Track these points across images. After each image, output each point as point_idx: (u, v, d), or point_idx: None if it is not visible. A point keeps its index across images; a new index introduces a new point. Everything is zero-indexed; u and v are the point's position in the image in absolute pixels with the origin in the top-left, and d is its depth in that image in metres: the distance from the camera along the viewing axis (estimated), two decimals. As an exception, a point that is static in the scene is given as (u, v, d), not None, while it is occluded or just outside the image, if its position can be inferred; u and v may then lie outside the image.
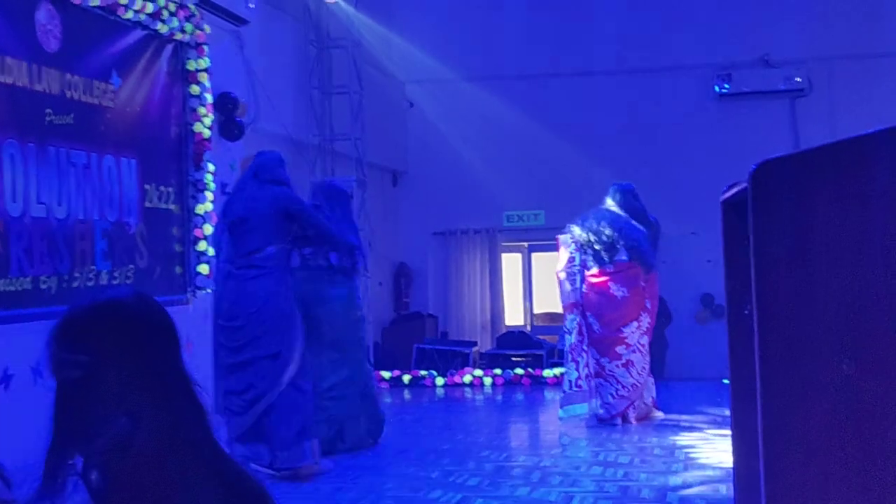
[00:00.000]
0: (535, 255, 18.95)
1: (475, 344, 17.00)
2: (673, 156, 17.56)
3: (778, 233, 3.46)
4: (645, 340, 10.94)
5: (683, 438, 9.95)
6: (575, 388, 10.82)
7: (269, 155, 9.43)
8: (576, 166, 17.84)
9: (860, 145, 3.39)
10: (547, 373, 14.92)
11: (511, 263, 19.61)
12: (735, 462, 4.36)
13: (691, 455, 9.09)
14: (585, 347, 10.87)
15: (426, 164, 18.95)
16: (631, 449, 9.57)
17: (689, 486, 7.89)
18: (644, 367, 10.88)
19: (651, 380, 11.11)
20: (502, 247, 19.28)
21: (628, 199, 11.43)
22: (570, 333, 11.01)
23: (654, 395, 11.19)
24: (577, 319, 10.99)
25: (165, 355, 2.26)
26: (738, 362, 4.28)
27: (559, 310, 18.74)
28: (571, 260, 11.15)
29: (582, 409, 10.80)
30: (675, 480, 8.12)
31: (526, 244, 19.29)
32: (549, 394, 13.92)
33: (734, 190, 4.11)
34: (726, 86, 18.03)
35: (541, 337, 17.19)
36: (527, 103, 18.31)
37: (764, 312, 3.47)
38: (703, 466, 8.57)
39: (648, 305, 11.04)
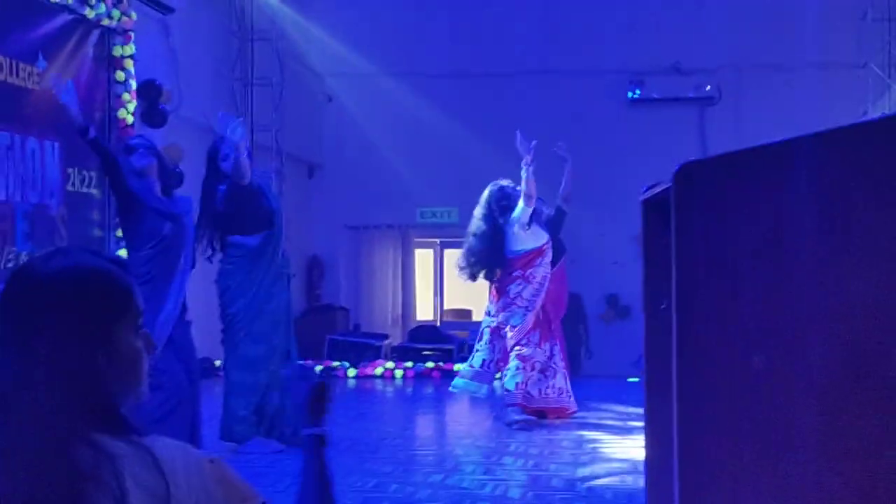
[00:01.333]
0: (447, 252, 19.16)
1: (387, 337, 17.19)
2: (586, 158, 17.80)
3: (697, 231, 3.65)
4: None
5: (590, 434, 10.21)
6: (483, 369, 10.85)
7: None
8: (491, 165, 17.98)
9: (780, 151, 3.60)
10: (457, 367, 15.09)
11: (423, 259, 19.83)
12: (647, 454, 4.51)
13: (598, 449, 9.34)
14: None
15: (342, 157, 19.09)
16: (540, 441, 9.80)
17: (597, 476, 8.13)
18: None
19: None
20: (415, 242, 19.48)
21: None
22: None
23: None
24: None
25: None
26: (653, 358, 4.44)
27: (468, 306, 19.06)
28: None
29: (480, 389, 10.84)
30: (583, 471, 8.36)
31: (438, 240, 19.51)
32: (459, 387, 14.13)
33: (655, 190, 4.28)
34: (638, 91, 18.39)
35: (451, 332, 17.43)
36: (445, 100, 18.49)
37: (682, 308, 3.66)
38: (609, 459, 8.82)
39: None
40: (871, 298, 3.31)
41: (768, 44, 17.76)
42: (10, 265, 10.35)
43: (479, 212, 10.87)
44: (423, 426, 10.93)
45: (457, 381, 11.06)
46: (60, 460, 1.90)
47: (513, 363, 10.57)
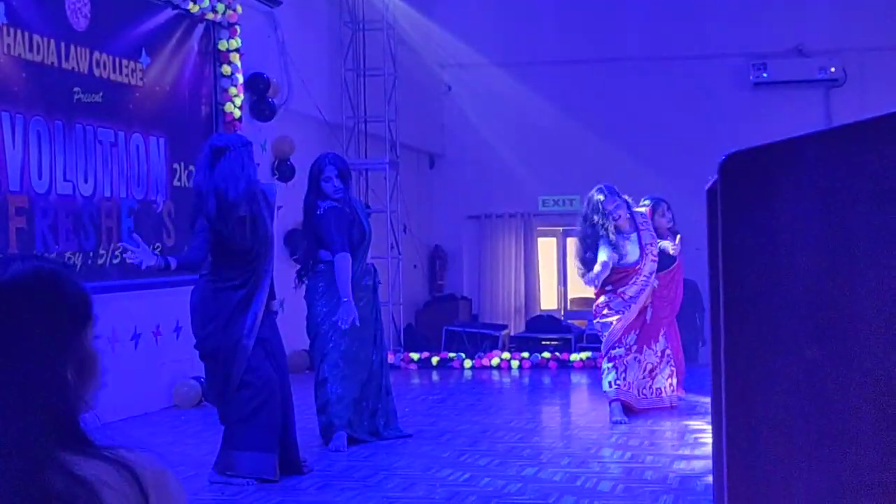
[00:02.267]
0: (570, 240, 18.93)
1: (505, 327, 17.07)
2: (708, 144, 17.50)
3: (745, 222, 3.52)
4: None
5: (696, 423, 9.97)
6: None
7: None
8: (610, 152, 17.86)
9: (825, 140, 3.45)
10: (574, 357, 14.95)
11: (546, 248, 19.69)
12: (714, 450, 4.40)
13: (700, 440, 9.11)
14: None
15: (462, 147, 19.05)
16: (642, 432, 9.61)
17: (693, 469, 7.94)
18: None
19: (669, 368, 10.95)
20: (537, 231, 19.36)
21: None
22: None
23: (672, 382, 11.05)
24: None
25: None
26: (716, 351, 4.32)
27: (593, 294, 18.81)
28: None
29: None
30: (679, 465, 8.17)
31: (561, 228, 19.34)
32: (575, 377, 13.97)
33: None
34: (764, 74, 17.99)
35: (571, 321, 17.26)
36: (563, 89, 18.38)
37: (730, 301, 3.53)
38: (709, 452, 8.60)
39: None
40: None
41: (893, 23, 17.21)
42: (115, 261, 10.46)
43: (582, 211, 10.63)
44: (529, 418, 10.77)
45: None
46: (33, 490, 1.78)
47: (605, 364, 10.46)
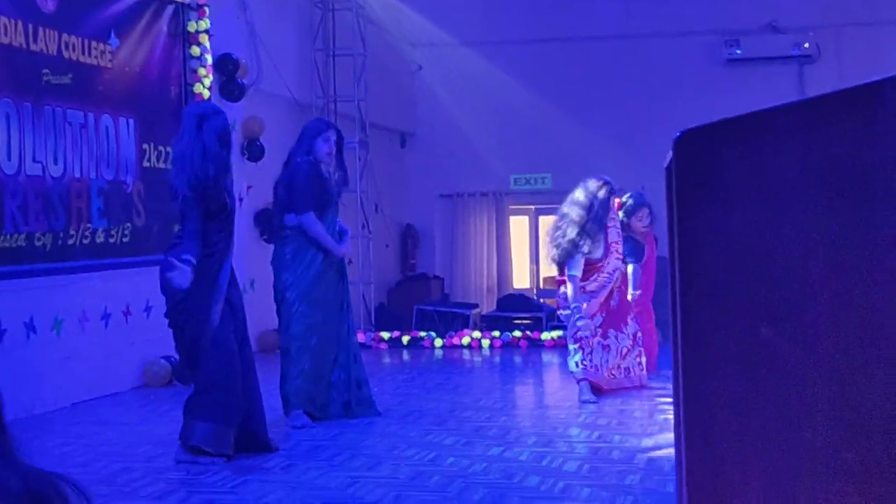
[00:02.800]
0: (542, 218, 18.99)
1: (476, 306, 17.13)
2: (680, 123, 17.42)
3: (698, 199, 3.56)
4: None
5: (666, 403, 10.03)
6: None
7: None
8: (582, 131, 17.95)
9: (776, 115, 3.48)
10: (545, 335, 15.01)
11: (518, 226, 19.75)
12: (674, 431, 4.42)
13: (670, 419, 9.16)
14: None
15: (434, 126, 19.07)
16: (611, 412, 9.71)
17: (660, 447, 8.02)
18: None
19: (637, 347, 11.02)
20: (509, 209, 19.40)
21: None
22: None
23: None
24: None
25: None
26: (674, 331, 4.35)
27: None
28: None
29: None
30: (647, 442, 8.26)
31: (533, 207, 19.39)
32: (546, 356, 14.04)
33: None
34: (738, 51, 18.03)
35: (543, 300, 17.33)
36: (535, 67, 18.41)
37: (685, 280, 3.57)
38: (678, 429, 8.66)
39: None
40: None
41: (866, -1, 17.32)
42: (86, 241, 10.49)
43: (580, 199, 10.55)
44: (498, 397, 10.84)
45: None
46: None
47: (571, 345, 10.52)
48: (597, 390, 10.40)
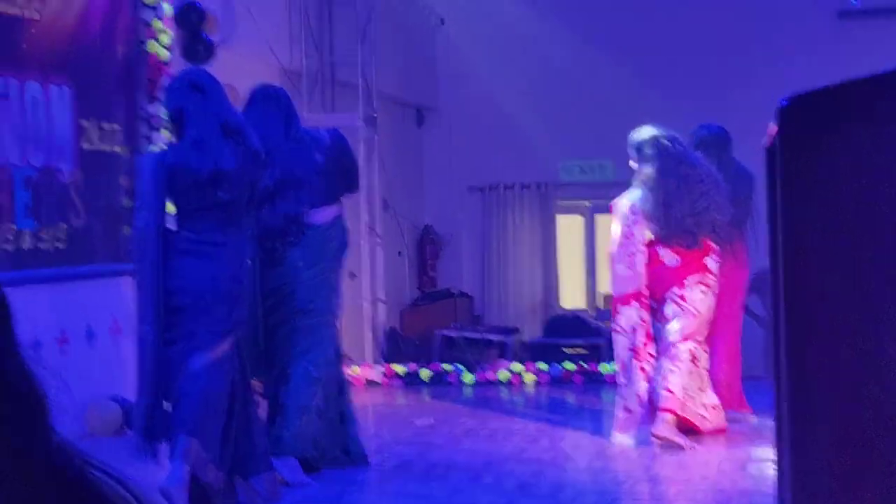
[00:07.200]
0: (598, 218, 18.94)
1: (517, 331, 17.10)
2: (778, 90, 17.49)
3: (808, 187, 3.51)
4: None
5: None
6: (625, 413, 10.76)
7: None
8: (653, 102, 17.84)
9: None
10: (604, 368, 14.94)
11: (569, 229, 19.69)
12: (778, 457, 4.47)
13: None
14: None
15: (460, 98, 19.04)
16: (690, 461, 9.68)
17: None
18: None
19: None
20: (558, 206, 19.36)
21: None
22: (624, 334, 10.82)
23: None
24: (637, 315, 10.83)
25: None
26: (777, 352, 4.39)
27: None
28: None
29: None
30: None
31: (588, 203, 19.36)
32: (607, 395, 13.98)
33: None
34: (853, 1, 18.02)
35: (602, 323, 17.24)
36: (593, 19, 18.33)
37: (793, 286, 3.53)
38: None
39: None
40: None
41: None
42: (7, 247, 10.41)
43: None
44: (548, 446, 10.81)
45: None
46: None
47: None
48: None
